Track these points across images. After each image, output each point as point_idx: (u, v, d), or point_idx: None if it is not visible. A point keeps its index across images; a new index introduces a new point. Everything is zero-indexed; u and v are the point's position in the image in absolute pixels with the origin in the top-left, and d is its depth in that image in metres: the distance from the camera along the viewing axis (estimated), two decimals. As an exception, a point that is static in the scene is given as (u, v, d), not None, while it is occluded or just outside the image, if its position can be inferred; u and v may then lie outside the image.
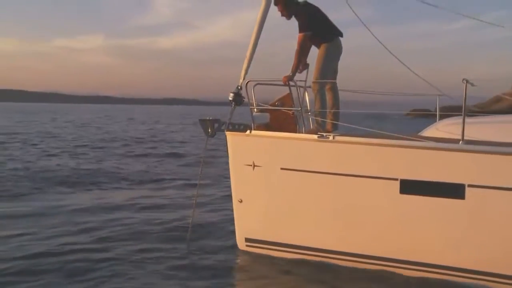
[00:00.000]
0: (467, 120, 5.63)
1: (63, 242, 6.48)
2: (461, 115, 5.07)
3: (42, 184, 10.67)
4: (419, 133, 6.03)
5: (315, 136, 5.58)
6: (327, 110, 6.06)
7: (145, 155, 17.45)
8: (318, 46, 5.97)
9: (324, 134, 5.58)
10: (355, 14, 5.99)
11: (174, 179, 12.21)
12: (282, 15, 5.97)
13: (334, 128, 6.11)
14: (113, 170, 13.13)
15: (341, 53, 6.06)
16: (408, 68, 5.75)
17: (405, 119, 44.85)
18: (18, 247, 6.23)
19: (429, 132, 5.83)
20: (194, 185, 9.60)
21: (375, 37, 5.95)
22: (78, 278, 5.27)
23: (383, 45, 5.93)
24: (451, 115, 6.18)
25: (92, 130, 31.00)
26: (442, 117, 6.31)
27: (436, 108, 6.37)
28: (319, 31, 5.85)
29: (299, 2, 5.95)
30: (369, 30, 5.96)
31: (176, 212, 8.41)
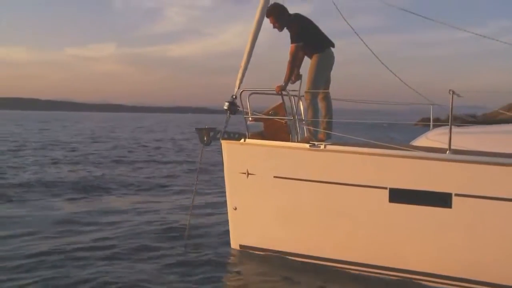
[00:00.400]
0: (459, 129, 5.72)
1: (67, 242, 6.80)
2: (457, 124, 5.15)
3: (52, 190, 10.99)
4: (411, 143, 6.11)
5: (307, 145, 5.69)
6: (320, 120, 6.17)
7: (150, 162, 17.75)
8: (310, 57, 6.09)
9: (316, 143, 5.69)
10: (348, 23, 6.12)
11: (177, 185, 12.49)
12: (274, 27, 6.10)
13: (327, 137, 6.21)
14: (120, 178, 13.39)
15: (333, 63, 6.17)
16: (399, 78, 5.86)
17: (415, 129, 44.71)
18: (24, 246, 6.58)
19: (420, 141, 5.91)
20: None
21: (368, 47, 6.08)
22: (79, 273, 5.57)
23: (375, 55, 6.05)
24: (442, 125, 6.26)
25: (101, 139, 31.28)
26: (435, 126, 6.38)
27: (431, 116, 6.44)
28: (310, 41, 5.97)
29: (290, 14, 6.08)
30: (362, 40, 6.09)
31: (174, 215, 8.75)
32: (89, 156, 19.12)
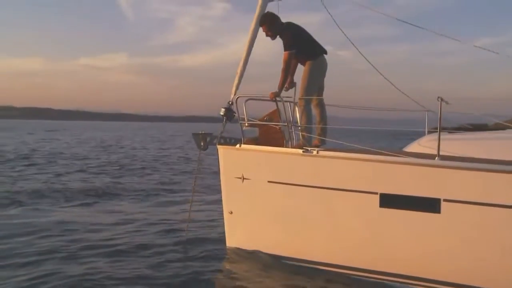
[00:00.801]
0: (450, 136, 5.80)
1: (72, 239, 7.24)
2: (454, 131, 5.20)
3: (64, 196, 11.34)
4: (404, 149, 6.19)
5: (300, 151, 5.79)
6: (315, 126, 6.28)
7: (158, 169, 17.97)
8: (303, 64, 6.21)
9: (309, 148, 5.79)
10: (344, 34, 6.27)
11: (183, 190, 12.78)
12: (267, 35, 6.23)
13: (322, 143, 6.31)
14: (128, 184, 13.67)
15: (326, 70, 6.28)
16: (394, 85, 5.96)
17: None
18: (31, 245, 7.04)
19: (412, 147, 5.98)
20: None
21: (363, 56, 6.21)
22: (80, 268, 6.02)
23: (372, 65, 6.18)
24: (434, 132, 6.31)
25: (112, 149, 31.53)
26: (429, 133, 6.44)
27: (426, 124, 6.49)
28: (303, 49, 6.09)
29: (282, 23, 6.21)
30: (357, 49, 6.24)
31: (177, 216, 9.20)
32: (99, 164, 19.37)
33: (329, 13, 6.24)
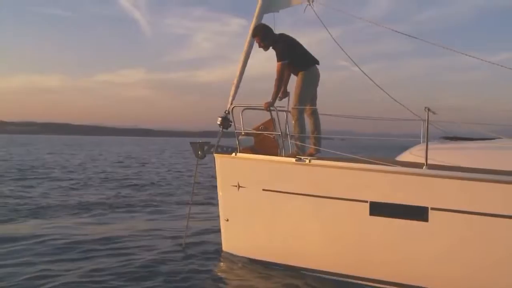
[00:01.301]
0: (439, 145, 5.87)
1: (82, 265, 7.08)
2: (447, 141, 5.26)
3: (81, 208, 11.47)
4: (397, 158, 6.25)
5: (293, 159, 5.91)
6: (309, 135, 6.39)
7: (168, 183, 18.16)
8: (296, 74, 6.35)
9: (302, 157, 5.90)
10: (341, 48, 6.35)
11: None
12: (260, 46, 6.39)
13: (317, 152, 6.41)
14: (141, 198, 13.83)
15: (318, 80, 6.41)
16: (389, 96, 6.07)
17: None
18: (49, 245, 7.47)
19: (403, 156, 6.05)
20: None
21: (362, 71, 6.30)
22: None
23: (368, 77, 6.27)
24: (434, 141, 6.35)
25: (127, 162, 31.81)
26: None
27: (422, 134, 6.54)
28: (296, 60, 6.24)
29: (275, 34, 6.37)
30: (355, 64, 6.30)
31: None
32: (115, 178, 19.63)
33: (329, 33, 6.32)
